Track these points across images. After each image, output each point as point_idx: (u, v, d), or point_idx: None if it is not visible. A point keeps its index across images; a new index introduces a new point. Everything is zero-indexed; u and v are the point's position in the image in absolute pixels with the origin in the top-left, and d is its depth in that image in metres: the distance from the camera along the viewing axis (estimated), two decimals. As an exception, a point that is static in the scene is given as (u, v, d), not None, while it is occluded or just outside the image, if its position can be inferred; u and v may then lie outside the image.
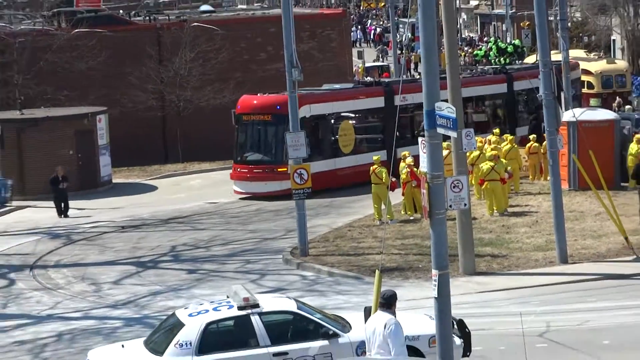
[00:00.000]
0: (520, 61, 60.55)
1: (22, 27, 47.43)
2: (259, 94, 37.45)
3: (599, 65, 53.25)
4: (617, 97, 48.61)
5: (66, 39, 44.95)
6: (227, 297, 16.23)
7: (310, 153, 32.08)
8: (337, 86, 40.39)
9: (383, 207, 29.68)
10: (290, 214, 29.42)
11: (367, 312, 14.99)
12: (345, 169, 36.73)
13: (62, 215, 34.26)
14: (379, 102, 38.08)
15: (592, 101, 44.81)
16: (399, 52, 59.03)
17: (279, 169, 34.19)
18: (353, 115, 38.19)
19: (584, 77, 49.15)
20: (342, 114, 37.80)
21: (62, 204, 34.39)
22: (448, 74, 23.47)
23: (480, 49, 74.84)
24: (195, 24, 48.56)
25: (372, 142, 38.55)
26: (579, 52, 53.79)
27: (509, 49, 66.87)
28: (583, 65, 49.37)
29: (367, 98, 38.37)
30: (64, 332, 21.45)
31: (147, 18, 52.39)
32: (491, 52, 68.73)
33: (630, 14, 63.78)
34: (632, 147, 31.93)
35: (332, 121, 37.41)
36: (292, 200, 28.12)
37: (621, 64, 56.70)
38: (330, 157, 36.54)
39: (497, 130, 36.33)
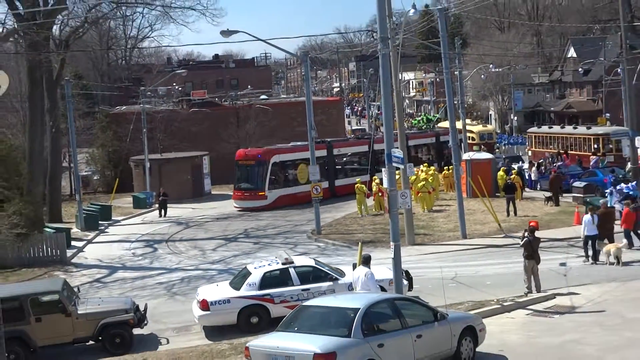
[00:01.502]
0: (434, 125, 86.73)
1: (162, 107, 71.73)
2: (248, 148, 55.54)
3: (478, 128, 77.25)
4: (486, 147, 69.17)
5: (186, 114, 70.50)
6: (276, 257, 24.21)
7: (277, 184, 51.73)
8: (298, 143, 54.86)
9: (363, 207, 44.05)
10: (310, 211, 42.19)
11: (354, 266, 22.40)
12: (302, 192, 50.12)
13: (162, 216, 50.38)
14: (323, 152, 53.26)
15: (475, 148, 64.54)
16: (370, 120, 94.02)
17: (259, 193, 50.83)
18: (307, 159, 48.94)
19: (470, 135, 70.64)
20: (299, 160, 52.22)
21: (163, 209, 50.77)
22: (399, 132, 34.95)
23: (415, 119, 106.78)
24: (258, 105, 73.84)
25: (320, 175, 50.34)
26: (470, 122, 76.61)
27: (432, 119, 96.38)
28: (470, 128, 71.38)
29: (316, 150, 49.59)
30: (184, 277, 31.82)
31: (231, 102, 78.74)
32: (421, 121, 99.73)
33: (499, 100, 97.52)
34: (500, 174, 46.50)
35: (293, 164, 52.90)
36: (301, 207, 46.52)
37: (490, 127, 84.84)
38: (292, 186, 52.25)
39: (425, 164, 52.95)
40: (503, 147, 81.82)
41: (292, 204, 50.52)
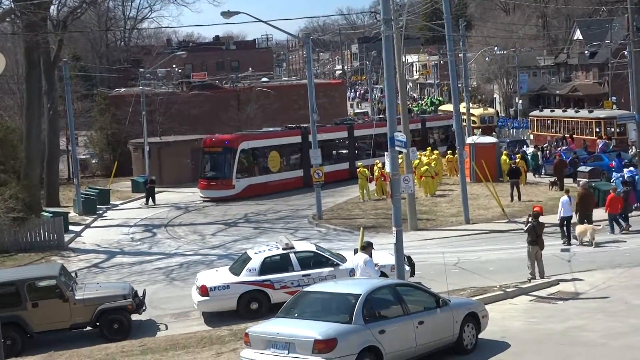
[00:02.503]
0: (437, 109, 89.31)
1: (161, 90, 71.08)
2: (215, 135, 52.84)
3: (479, 111, 77.96)
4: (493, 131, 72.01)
5: (185, 97, 69.88)
6: (276, 243, 24.17)
7: (246, 172, 49.57)
8: (271, 129, 55.08)
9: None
10: (312, 196, 41.45)
11: (355, 252, 22.03)
12: (274, 181, 50.43)
13: (148, 204, 49.03)
14: (297, 139, 52.39)
15: (476, 131, 64.69)
16: (373, 103, 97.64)
17: (226, 182, 48.84)
18: (280, 146, 51.65)
19: (472, 118, 68.92)
20: (271, 146, 51.14)
21: (150, 197, 49.32)
22: (402, 116, 34.11)
23: (419, 103, 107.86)
24: (259, 88, 73.88)
25: (294, 163, 52.73)
26: (471, 105, 74.09)
27: (436, 102, 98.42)
28: (472, 111, 68.73)
29: (290, 137, 52.75)
30: (183, 263, 31.80)
31: (232, 85, 77.39)
32: (425, 104, 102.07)
33: (504, 83, 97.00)
34: (503, 158, 46.67)
35: (264, 151, 50.93)
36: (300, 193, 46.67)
37: (491, 110, 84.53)
38: (263, 174, 50.41)
39: (429, 148, 51.72)
40: (508, 131, 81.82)
41: (263, 194, 48.72)
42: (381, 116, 63.63)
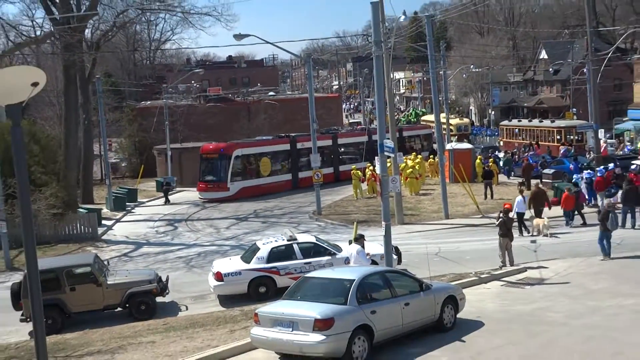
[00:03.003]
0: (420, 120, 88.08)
1: (182, 102, 71.72)
2: (212, 143, 51.60)
3: (456, 121, 76.65)
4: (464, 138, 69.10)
5: (203, 109, 71.14)
6: (281, 235, 24.45)
7: (240, 176, 48.48)
8: (262, 137, 54.03)
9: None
10: (300, 196, 43.51)
11: (350, 243, 22.43)
12: (265, 184, 49.47)
13: (165, 203, 48.91)
14: (286, 146, 51.74)
15: (452, 138, 61.64)
16: (365, 114, 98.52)
17: (222, 185, 47.83)
18: (270, 152, 50.77)
19: (450, 127, 66.43)
20: (262, 153, 50.18)
21: (166, 197, 49.53)
22: (390, 125, 33.79)
23: (405, 114, 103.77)
24: (266, 101, 74.36)
25: (283, 168, 51.65)
26: (451, 116, 74.81)
27: (419, 113, 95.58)
28: (450, 121, 66.74)
29: (279, 144, 51.77)
30: (201, 252, 31.98)
31: (243, 98, 77.93)
32: (411, 116, 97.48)
33: (479, 96, 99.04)
34: (477, 162, 46.75)
35: (256, 157, 49.77)
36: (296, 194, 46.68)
37: (466, 120, 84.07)
38: (255, 178, 49.41)
39: (414, 153, 51.58)
40: (481, 138, 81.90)
41: (255, 195, 47.86)
42: (373, 125, 63.38)
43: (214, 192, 47.99)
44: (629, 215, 30.14)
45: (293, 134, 54.24)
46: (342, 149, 55.54)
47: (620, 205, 30.41)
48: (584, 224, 31.07)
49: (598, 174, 35.83)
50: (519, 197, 30.67)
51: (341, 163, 53.81)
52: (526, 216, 30.51)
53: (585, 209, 32.87)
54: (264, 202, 46.36)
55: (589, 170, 38.26)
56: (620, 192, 32.75)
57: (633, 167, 39.29)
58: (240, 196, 47.69)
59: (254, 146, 50.72)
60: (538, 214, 30.30)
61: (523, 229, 30.06)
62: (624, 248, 25.48)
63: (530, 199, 30.92)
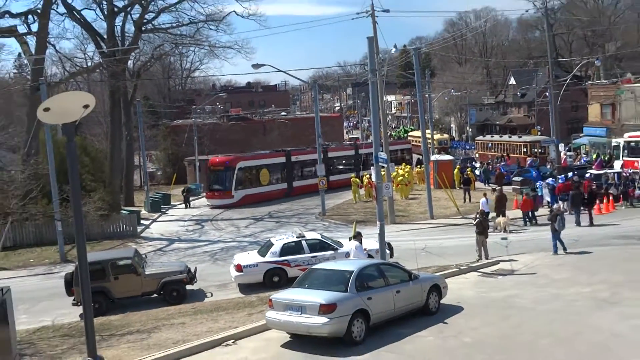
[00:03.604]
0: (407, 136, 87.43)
1: (208, 121, 72.82)
2: (219, 156, 50.68)
3: (437, 137, 74.96)
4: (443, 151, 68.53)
5: (226, 126, 70.90)
6: (292, 233, 24.61)
7: (243, 185, 47.24)
8: (261, 151, 52.86)
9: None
10: (305, 200, 43.85)
11: (349, 240, 22.11)
12: (264, 192, 48.20)
13: (186, 207, 48.04)
14: (282, 159, 50.53)
15: (434, 151, 60.93)
16: (363, 131, 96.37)
17: (227, 193, 46.67)
18: (268, 165, 49.54)
19: (433, 141, 65.02)
20: (261, 165, 49.05)
21: (187, 202, 48.64)
22: (384, 140, 34.92)
23: (396, 131, 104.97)
24: (279, 120, 75.33)
25: (279, 178, 50.33)
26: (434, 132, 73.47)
27: (407, 130, 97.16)
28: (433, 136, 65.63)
29: (276, 157, 50.65)
30: (224, 247, 31.56)
31: (259, 117, 78.89)
32: (400, 132, 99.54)
33: (458, 116, 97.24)
34: (456, 172, 46.16)
35: (256, 169, 48.63)
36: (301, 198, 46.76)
37: (446, 135, 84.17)
38: (255, 187, 48.10)
39: (403, 164, 51.69)
40: (460, 151, 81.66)
41: (256, 202, 46.62)
42: (369, 140, 63.20)
43: (221, 200, 46.74)
44: (583, 216, 30.18)
45: (288, 149, 53.13)
46: (333, 161, 54.31)
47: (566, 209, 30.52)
48: (536, 223, 31.18)
49: (560, 181, 35.75)
50: (483, 199, 31.18)
51: (331, 173, 51.87)
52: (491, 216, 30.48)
53: (542, 211, 32.76)
54: (265, 207, 45.98)
55: (551, 178, 38.16)
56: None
57: (587, 175, 39.26)
58: (243, 203, 46.44)
59: (255, 159, 49.67)
60: (499, 214, 30.29)
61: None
62: (581, 244, 25.37)
63: (495, 202, 31.05)
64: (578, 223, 30.04)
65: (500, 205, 30.74)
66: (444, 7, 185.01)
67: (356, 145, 56.99)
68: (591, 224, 30.08)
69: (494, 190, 42.20)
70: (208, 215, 43.34)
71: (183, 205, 48.97)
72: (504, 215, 30.11)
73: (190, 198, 49.96)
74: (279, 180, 50.56)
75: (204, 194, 52.29)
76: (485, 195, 31.76)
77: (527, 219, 31.57)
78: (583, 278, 19.97)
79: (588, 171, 41.57)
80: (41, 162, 30.64)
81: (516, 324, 15.49)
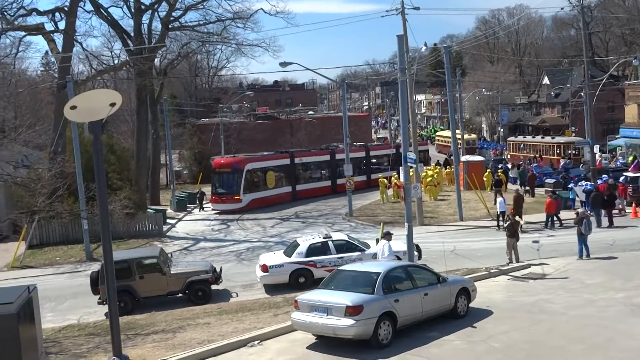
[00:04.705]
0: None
1: (235, 120, 72.44)
2: (224, 157, 48.77)
3: (467, 137, 70.14)
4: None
5: (252, 125, 72.07)
6: (318, 233, 24.72)
7: (250, 189, 45.01)
8: (266, 153, 50.69)
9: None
10: (344, 199, 41.27)
11: (377, 241, 23.14)
12: (270, 196, 46.40)
13: (200, 210, 46.74)
14: (287, 160, 48.53)
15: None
16: (391, 130, 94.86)
17: (235, 197, 44.31)
18: (274, 167, 47.76)
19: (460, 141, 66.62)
20: (268, 167, 47.21)
21: (200, 204, 47.45)
22: (412, 140, 34.31)
23: (425, 131, 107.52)
24: (306, 119, 74.85)
25: (284, 181, 48.57)
26: (458, 132, 74.81)
27: (437, 130, 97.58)
28: (458, 136, 66.45)
29: (281, 159, 48.58)
30: (249, 247, 32.15)
31: (286, 116, 78.71)
32: (430, 132, 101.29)
33: (490, 116, 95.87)
34: (487, 174, 45.86)
35: (263, 171, 46.73)
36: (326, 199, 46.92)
37: (473, 136, 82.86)
38: (262, 190, 46.18)
39: (432, 164, 51.41)
40: (490, 152, 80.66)
41: (263, 206, 44.66)
42: (398, 141, 62.69)
43: (228, 204, 44.32)
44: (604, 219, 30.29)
45: (292, 150, 51.56)
46: (340, 163, 51.29)
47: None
48: (560, 226, 31.20)
49: (599, 182, 35.61)
50: (500, 199, 31.88)
51: (339, 176, 49.71)
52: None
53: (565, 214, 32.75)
54: (274, 212, 45.36)
55: (585, 182, 37.67)
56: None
57: (622, 178, 38.68)
58: (250, 207, 44.35)
59: (262, 160, 47.55)
60: (517, 215, 30.01)
61: (500, 224, 30.97)
62: (616, 248, 25.08)
63: (513, 202, 31.18)
64: (598, 224, 30.03)
65: (517, 206, 30.68)
66: (476, 4, 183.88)
67: (368, 147, 54.76)
68: (611, 226, 30.32)
69: (525, 192, 42.19)
70: (233, 215, 43.46)
71: (203, 207, 47.93)
72: (520, 217, 29.90)
73: (204, 201, 48.79)
74: (285, 182, 48.67)
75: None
76: (501, 195, 32.22)
77: (552, 221, 31.40)
78: (617, 283, 19.72)
79: (624, 174, 40.93)
80: (68, 160, 31.14)
81: (547, 329, 15.35)
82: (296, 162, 49.10)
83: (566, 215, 31.90)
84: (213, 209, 45.05)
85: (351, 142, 52.76)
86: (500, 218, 30.98)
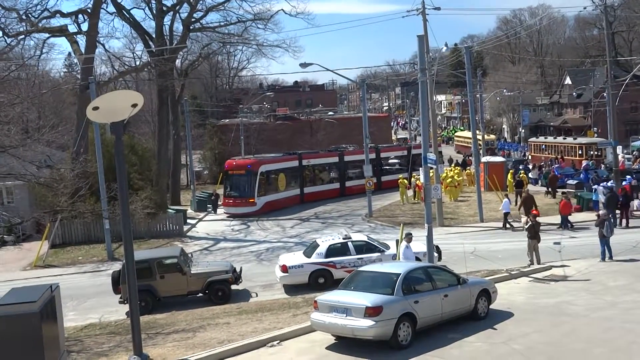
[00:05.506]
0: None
1: (255, 120, 71.78)
2: (236, 158, 47.17)
3: (486, 137, 70.29)
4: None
5: (272, 126, 70.88)
6: (338, 234, 24.59)
7: (264, 191, 43.96)
8: (275, 154, 49.39)
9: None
10: (364, 200, 40.80)
11: (397, 242, 22.23)
12: (282, 198, 45.73)
13: (214, 212, 45.81)
14: (295, 162, 47.65)
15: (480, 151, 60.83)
16: (411, 131, 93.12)
17: (249, 200, 43.28)
18: (285, 169, 46.82)
19: (480, 142, 67.18)
20: (281, 169, 46.32)
21: (214, 207, 46.60)
22: (433, 141, 34.08)
23: (445, 131, 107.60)
24: (326, 119, 74.13)
25: (294, 183, 47.63)
26: (477, 132, 74.03)
27: (457, 130, 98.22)
28: (479, 137, 67.08)
29: (290, 161, 47.65)
30: (269, 248, 31.94)
31: (306, 117, 77.28)
32: (450, 132, 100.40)
33: (511, 117, 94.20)
34: (509, 176, 45.04)
35: (275, 173, 45.86)
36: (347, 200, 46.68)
37: (492, 136, 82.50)
38: (275, 193, 45.33)
39: (454, 164, 50.92)
40: (513, 153, 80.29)
41: (276, 209, 44.08)
42: (417, 141, 62.41)
43: (241, 207, 43.26)
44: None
45: (300, 151, 50.73)
46: (349, 166, 51.03)
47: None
48: (571, 228, 31.15)
49: (624, 183, 35.35)
50: (505, 200, 32.60)
51: (348, 179, 50.02)
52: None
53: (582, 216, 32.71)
54: (288, 214, 45.60)
55: (607, 183, 37.29)
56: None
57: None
58: (264, 210, 43.57)
59: (274, 162, 46.35)
60: (526, 214, 29.88)
61: (508, 224, 31.96)
62: (639, 250, 24.78)
63: (521, 203, 32.08)
64: (615, 225, 29.68)
65: (526, 207, 30.73)
66: (497, 4, 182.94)
67: (378, 149, 54.61)
68: (627, 226, 30.30)
69: (547, 193, 41.82)
70: (253, 216, 43.58)
71: (217, 209, 46.80)
72: (527, 215, 29.88)
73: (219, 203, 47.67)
74: (295, 185, 47.78)
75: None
76: (506, 196, 32.80)
77: (570, 223, 31.18)
78: (640, 286, 19.53)
79: (647, 175, 40.51)
80: (90, 161, 31.35)
81: (569, 331, 15.22)
82: (304, 164, 48.29)
83: (586, 217, 31.61)
84: (225, 212, 44.07)
85: (356, 145, 52.52)
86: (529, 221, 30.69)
